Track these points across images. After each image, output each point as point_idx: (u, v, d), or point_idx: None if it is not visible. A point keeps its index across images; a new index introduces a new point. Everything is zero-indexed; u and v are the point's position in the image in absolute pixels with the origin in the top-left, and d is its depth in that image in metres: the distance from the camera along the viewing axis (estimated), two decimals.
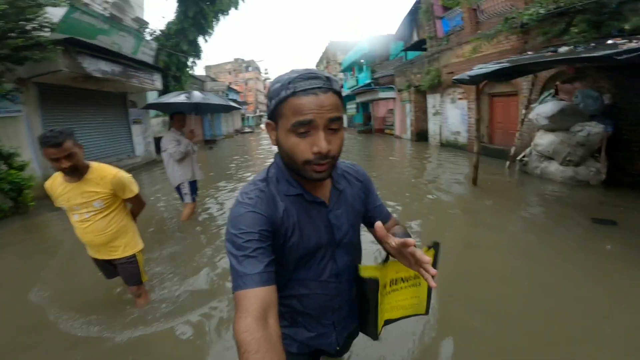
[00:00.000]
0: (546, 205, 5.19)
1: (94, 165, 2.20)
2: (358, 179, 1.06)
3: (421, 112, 14.55)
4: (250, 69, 60.23)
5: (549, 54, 4.56)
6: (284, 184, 0.90)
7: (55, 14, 6.59)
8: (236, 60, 57.81)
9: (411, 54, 16.27)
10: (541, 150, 6.64)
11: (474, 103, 9.45)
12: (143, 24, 12.66)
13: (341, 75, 33.31)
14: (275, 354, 0.66)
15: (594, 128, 5.86)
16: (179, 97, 4.42)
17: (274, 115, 0.83)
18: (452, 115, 11.82)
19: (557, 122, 6.20)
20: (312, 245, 0.92)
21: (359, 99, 24.55)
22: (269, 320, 0.71)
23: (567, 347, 2.09)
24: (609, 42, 4.21)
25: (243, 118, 48.48)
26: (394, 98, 17.94)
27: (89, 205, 2.17)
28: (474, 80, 5.20)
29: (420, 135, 14.70)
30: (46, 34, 6.11)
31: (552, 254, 3.42)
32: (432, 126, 13.37)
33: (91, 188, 2.14)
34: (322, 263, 0.95)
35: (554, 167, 6.42)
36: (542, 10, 6.65)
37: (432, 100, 12.97)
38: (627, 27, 5.17)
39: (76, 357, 2.20)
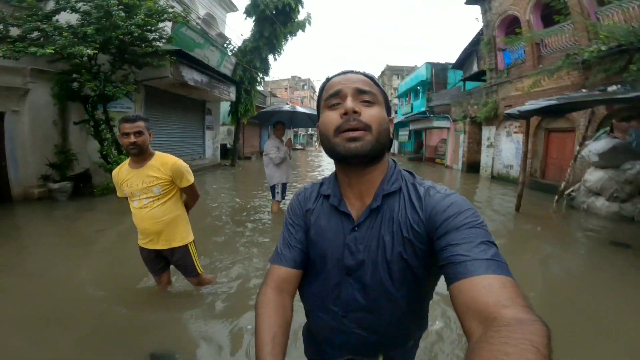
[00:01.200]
0: (581, 232, 5.54)
1: (158, 153, 2.39)
2: (419, 205, 0.77)
3: (474, 144, 14.70)
4: (305, 87, 62.61)
5: (598, 92, 4.96)
6: (326, 184, 0.92)
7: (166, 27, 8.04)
8: (293, 77, 60.43)
9: (469, 84, 16.54)
10: (590, 186, 6.80)
11: (530, 138, 9.74)
12: (225, 39, 14.35)
13: (396, 100, 33.98)
14: (277, 313, 0.79)
15: None
16: (281, 107, 5.47)
17: (319, 108, 0.85)
18: (506, 149, 11.97)
19: (608, 160, 6.39)
20: (319, 254, 0.86)
21: (412, 127, 24.87)
22: (283, 293, 0.84)
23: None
24: (613, 87, 4.53)
25: (295, 134, 50.48)
26: (448, 128, 18.20)
27: (148, 191, 2.32)
28: (524, 115, 5.66)
29: (472, 167, 14.76)
30: (160, 44, 7.53)
31: (571, 265, 4.11)
32: (485, 158, 13.49)
33: (153, 173, 2.30)
34: (328, 283, 0.86)
35: (600, 203, 6.56)
36: (603, 47, 6.88)
37: (487, 132, 13.17)
38: None
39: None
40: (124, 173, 2.35)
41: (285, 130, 5.26)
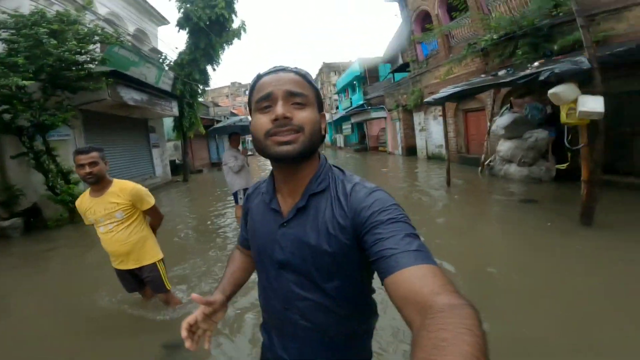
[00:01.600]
0: (498, 195, 6.70)
1: (116, 180, 2.54)
2: (345, 201, 0.80)
3: (409, 129, 16.00)
4: (246, 92, 62.06)
5: (490, 77, 6.03)
6: (266, 181, 0.96)
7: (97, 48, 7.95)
8: (233, 84, 59.46)
9: (398, 76, 17.87)
10: (502, 155, 8.03)
11: (452, 119, 11.00)
12: (159, 54, 14.13)
13: (336, 97, 35.15)
14: (238, 261, 1.10)
15: (540, 134, 7.27)
16: (233, 120, 5.81)
17: (250, 107, 0.85)
18: (436, 131, 13.26)
19: (512, 131, 7.62)
20: (256, 248, 0.94)
21: (353, 120, 26.16)
22: (243, 252, 1.12)
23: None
24: (535, 64, 5.64)
25: (243, 142, 49.93)
26: (385, 117, 19.50)
27: (111, 217, 2.47)
28: (437, 102, 6.68)
29: (410, 150, 16.08)
30: (92, 66, 7.51)
31: (489, 219, 5.20)
32: (419, 141, 14.79)
33: (113, 199, 2.45)
34: (268, 277, 0.91)
35: (513, 168, 7.79)
36: (495, 36, 8.08)
37: (418, 118, 14.46)
38: (555, 47, 6.50)
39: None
40: (86, 202, 2.49)
41: (240, 140, 5.62)
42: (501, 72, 6.23)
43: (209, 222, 6.49)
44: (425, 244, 0.68)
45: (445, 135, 7.54)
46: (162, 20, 15.59)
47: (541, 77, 4.10)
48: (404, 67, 16.14)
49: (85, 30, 6.94)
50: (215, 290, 0.98)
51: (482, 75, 7.65)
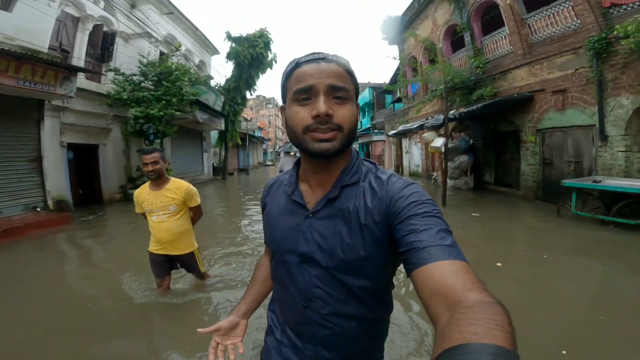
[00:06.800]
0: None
1: (173, 179, 2.97)
2: (380, 191, 0.79)
3: (400, 151, 20.01)
4: (270, 106, 65.47)
5: (423, 121, 10.21)
6: (288, 172, 0.95)
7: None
8: (257, 97, 62.69)
9: (398, 105, 21.17)
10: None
11: (423, 146, 15.03)
12: (211, 78, 18.57)
13: None
14: (263, 270, 1.07)
15: (463, 158, 11.35)
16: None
17: (284, 94, 0.83)
18: (415, 154, 17.25)
19: (448, 156, 11.72)
20: (275, 239, 0.92)
21: (360, 140, 30.27)
22: (268, 257, 1.04)
23: None
24: (452, 111, 9.64)
25: (264, 152, 54.21)
26: (384, 140, 23.63)
27: (166, 208, 2.89)
28: (393, 135, 10.82)
29: (398, 169, 20.07)
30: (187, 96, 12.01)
31: None
32: (405, 162, 18.80)
33: (170, 195, 2.89)
34: (288, 271, 0.88)
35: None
36: (448, 85, 11.49)
37: (404, 143, 18.55)
38: (474, 98, 10.13)
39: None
40: (144, 194, 2.93)
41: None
42: (428, 119, 10.39)
43: (239, 202, 10.82)
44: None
45: (399, 157, 11.70)
46: (215, 51, 20.03)
47: (425, 126, 8.26)
48: (401, 99, 20.11)
49: (192, 74, 11.48)
50: (232, 310, 1.03)
51: (431, 118, 11.72)
